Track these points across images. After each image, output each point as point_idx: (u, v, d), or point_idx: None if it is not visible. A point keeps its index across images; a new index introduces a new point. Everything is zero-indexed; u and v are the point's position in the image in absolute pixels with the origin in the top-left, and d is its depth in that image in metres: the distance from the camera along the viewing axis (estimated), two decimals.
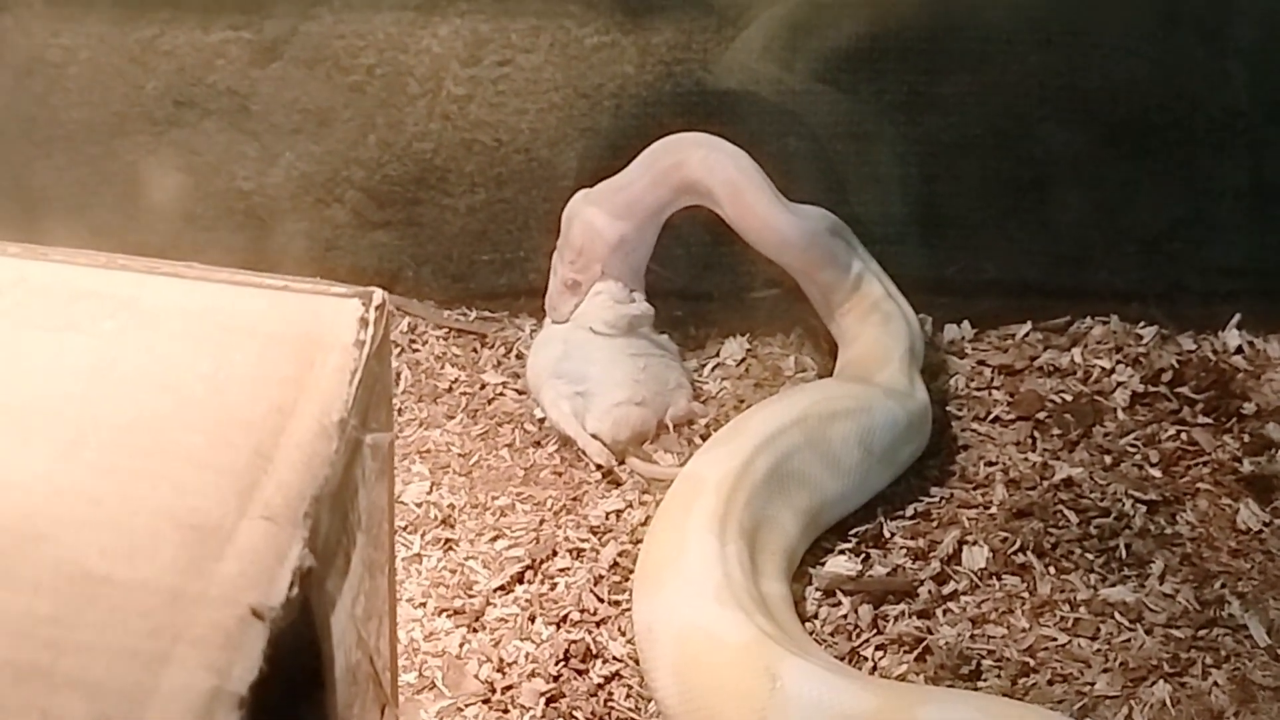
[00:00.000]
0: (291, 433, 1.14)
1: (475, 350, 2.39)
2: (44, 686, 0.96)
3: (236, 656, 0.98)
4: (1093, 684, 1.85)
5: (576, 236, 2.29)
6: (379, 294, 1.27)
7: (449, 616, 1.93)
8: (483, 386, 2.31)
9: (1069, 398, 2.28)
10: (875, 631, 1.93)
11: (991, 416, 2.26)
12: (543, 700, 1.82)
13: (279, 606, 1.02)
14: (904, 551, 2.03)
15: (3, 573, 1.02)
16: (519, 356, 2.36)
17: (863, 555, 2.03)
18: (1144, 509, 2.09)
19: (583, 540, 2.03)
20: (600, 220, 2.27)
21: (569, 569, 2.00)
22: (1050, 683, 1.86)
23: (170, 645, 0.98)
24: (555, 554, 2.01)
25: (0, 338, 1.20)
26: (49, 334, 1.21)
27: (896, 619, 1.94)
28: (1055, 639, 1.91)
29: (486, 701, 1.82)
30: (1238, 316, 2.40)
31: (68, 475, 1.10)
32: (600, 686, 1.85)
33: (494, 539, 2.04)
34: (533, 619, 1.93)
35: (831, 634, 1.93)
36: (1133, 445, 2.20)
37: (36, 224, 2.34)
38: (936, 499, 2.11)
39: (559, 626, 1.92)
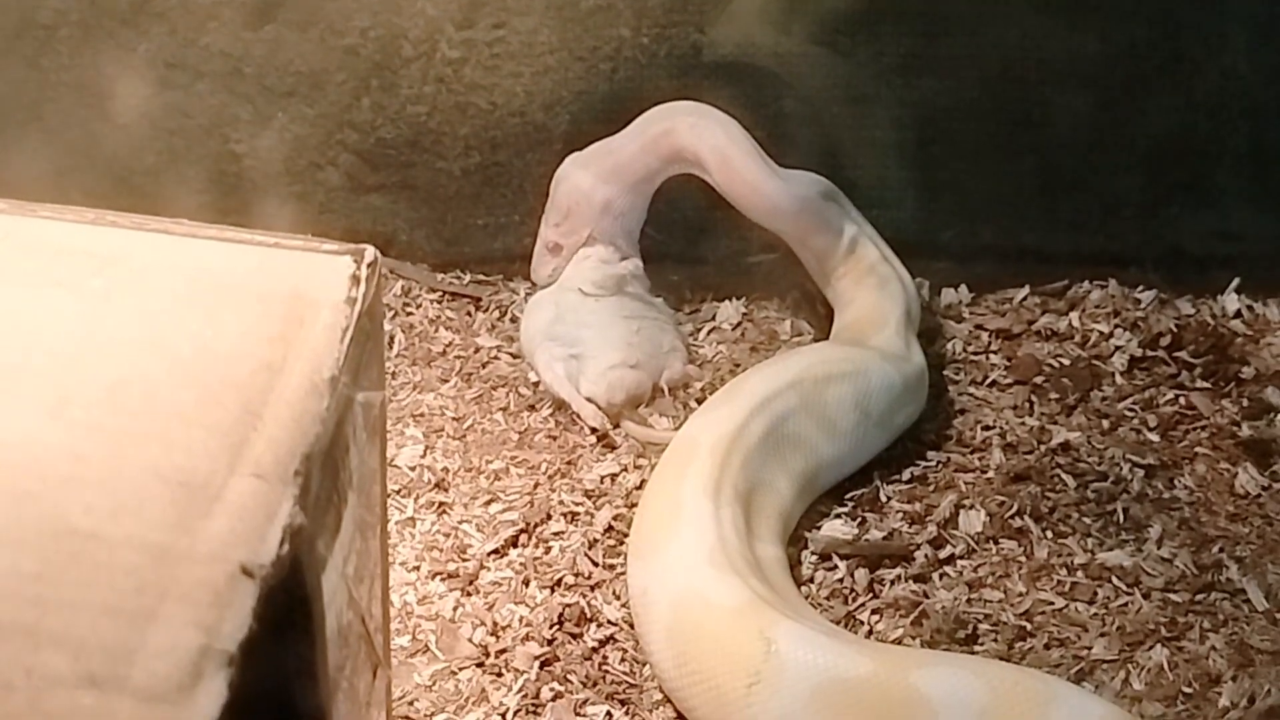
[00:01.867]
0: (281, 390, 1.13)
1: (469, 314, 2.38)
2: (29, 644, 0.95)
3: (225, 614, 0.97)
4: (1090, 648, 1.85)
5: (563, 199, 2.29)
6: (370, 251, 1.26)
7: (443, 580, 1.92)
8: (477, 350, 2.30)
9: (1066, 362, 2.27)
10: (871, 595, 1.92)
11: (989, 380, 2.25)
12: (537, 664, 1.81)
13: (269, 564, 1.00)
14: (900, 515, 2.02)
15: None
16: (513, 320, 2.35)
17: (859, 519, 2.02)
18: (1142, 473, 2.08)
19: (577, 504, 2.02)
20: (587, 183, 2.27)
21: (563, 533, 1.99)
22: (1047, 646, 1.85)
23: (157, 602, 0.97)
24: (549, 518, 2.00)
25: None
26: (36, 291, 1.20)
27: (892, 583, 1.93)
28: (1052, 603, 1.91)
29: (480, 665, 1.82)
30: (1236, 280, 2.39)
31: (55, 433, 1.09)
32: (595, 650, 1.84)
33: (488, 503, 2.03)
34: (527, 583, 1.92)
35: (827, 598, 1.92)
36: (1130, 409, 2.19)
37: (27, 188, 2.30)
38: (933, 463, 2.11)
39: (553, 590, 1.91)
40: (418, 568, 1.93)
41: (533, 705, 1.77)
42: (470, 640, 1.84)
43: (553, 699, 1.78)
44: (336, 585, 1.17)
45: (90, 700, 0.92)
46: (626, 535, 1.95)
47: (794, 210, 2.22)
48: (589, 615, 1.88)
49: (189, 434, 1.09)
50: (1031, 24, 2.33)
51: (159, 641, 0.95)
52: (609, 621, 1.87)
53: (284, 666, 1.05)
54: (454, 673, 1.81)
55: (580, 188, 2.27)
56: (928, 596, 1.91)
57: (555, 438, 2.14)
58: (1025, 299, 2.39)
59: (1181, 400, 2.21)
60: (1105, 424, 2.17)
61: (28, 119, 2.37)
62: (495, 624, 1.86)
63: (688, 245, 2.42)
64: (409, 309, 2.37)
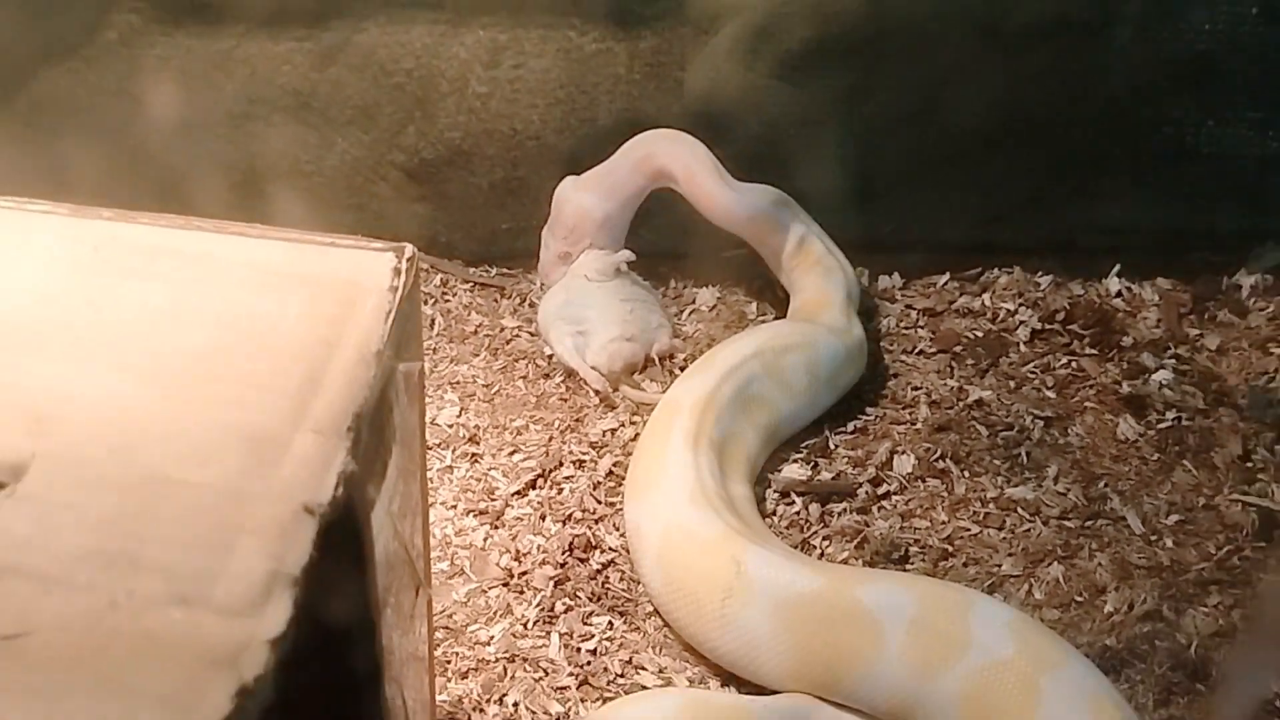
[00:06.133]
0: (337, 361, 1.11)
1: (496, 300, 2.36)
2: (130, 570, 0.94)
3: (291, 545, 0.96)
4: (1000, 566, 1.84)
5: (569, 216, 2.27)
6: (409, 248, 1.23)
7: (475, 516, 1.91)
8: (502, 330, 2.28)
9: (980, 334, 2.25)
10: (822, 525, 1.91)
11: (917, 350, 2.23)
12: (552, 583, 1.80)
13: (327, 504, 0.99)
14: (845, 460, 2.01)
15: (94, 477, 1.00)
16: (531, 306, 2.33)
17: (812, 463, 2.01)
18: (1041, 424, 2.06)
19: (584, 453, 2.01)
20: (589, 202, 2.26)
21: (573, 477, 1.97)
22: (965, 565, 1.84)
23: (235, 536, 0.96)
24: (561, 465, 1.99)
25: (96, 284, 1.18)
26: (136, 282, 1.18)
27: (840, 515, 1.92)
28: (969, 530, 1.89)
29: (506, 585, 1.81)
30: (1118, 266, 2.37)
31: (150, 395, 1.07)
32: (599, 572, 1.84)
33: (512, 453, 2.02)
34: (543, 518, 1.90)
35: (786, 528, 1.91)
36: (1032, 372, 2.18)
37: (137, 199, 2.29)
38: (872, 417, 2.09)
39: (565, 524, 1.89)
40: (455, 506, 1.92)
41: (548, 616, 1.77)
42: (498, 565, 1.83)
43: (565, 611, 1.77)
44: (383, 521, 1.16)
45: (180, 615, 0.91)
46: (624, 479, 1.94)
47: (745, 216, 2.22)
48: (594, 544, 1.87)
49: (261, 396, 1.07)
50: (951, 58, 2.30)
51: (236, 568, 0.94)
52: (610, 549, 1.86)
53: (340, 587, 1.04)
54: (484, 591, 1.80)
55: (584, 206, 2.26)
56: (868, 525, 1.90)
57: (566, 400, 2.13)
58: (947, 283, 2.37)
59: (1073, 364, 2.20)
60: (1012, 384, 2.15)
61: (137, 145, 2.35)
62: (518, 551, 1.85)
63: (674, 244, 2.40)
64: (447, 297, 2.36)
